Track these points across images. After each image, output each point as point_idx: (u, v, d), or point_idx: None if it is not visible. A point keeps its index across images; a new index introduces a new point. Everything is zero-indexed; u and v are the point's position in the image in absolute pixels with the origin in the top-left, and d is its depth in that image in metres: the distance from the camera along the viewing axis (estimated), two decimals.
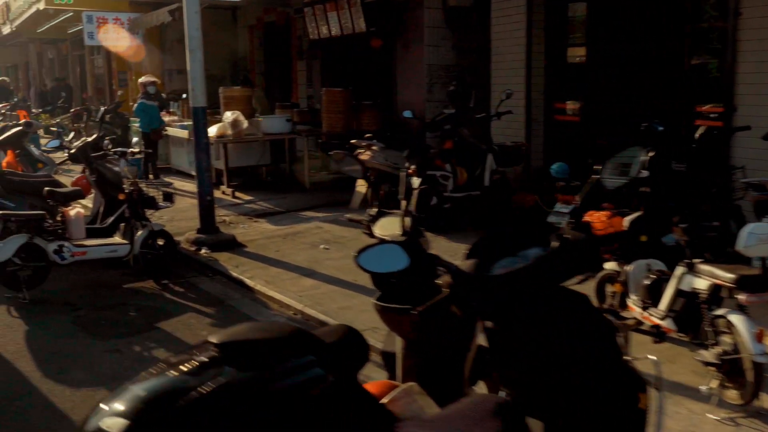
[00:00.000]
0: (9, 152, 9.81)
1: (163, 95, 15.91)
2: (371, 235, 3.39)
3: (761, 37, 6.75)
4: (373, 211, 3.37)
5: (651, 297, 4.43)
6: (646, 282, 4.48)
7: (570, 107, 9.47)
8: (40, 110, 19.43)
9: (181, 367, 1.80)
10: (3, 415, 4.12)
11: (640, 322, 4.52)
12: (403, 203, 8.03)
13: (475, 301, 2.44)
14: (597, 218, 4.97)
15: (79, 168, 8.60)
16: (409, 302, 3.04)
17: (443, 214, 8.29)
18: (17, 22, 22.49)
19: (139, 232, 6.72)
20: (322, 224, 8.69)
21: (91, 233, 6.74)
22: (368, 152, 8.95)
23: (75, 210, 6.44)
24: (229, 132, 10.65)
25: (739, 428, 3.70)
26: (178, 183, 11.81)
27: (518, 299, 2.42)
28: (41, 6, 17.48)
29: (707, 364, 3.90)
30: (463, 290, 2.45)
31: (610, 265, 4.83)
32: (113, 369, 4.70)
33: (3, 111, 19.13)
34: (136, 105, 11.32)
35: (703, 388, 3.85)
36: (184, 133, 12.00)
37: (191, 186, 11.55)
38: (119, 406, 1.69)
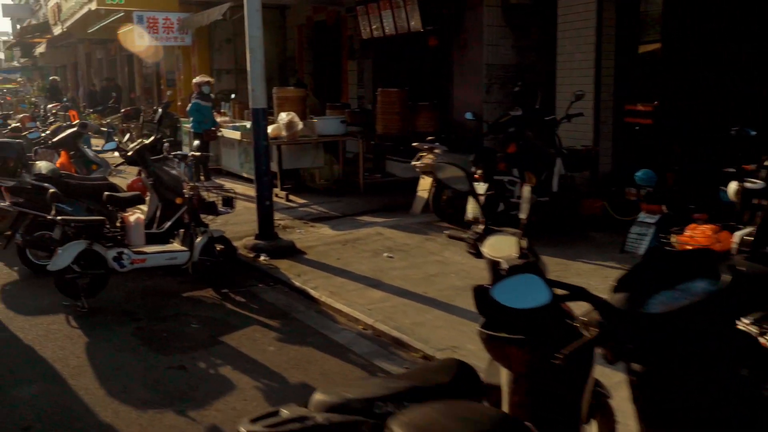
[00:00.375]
0: (63, 153, 9.70)
1: (212, 95, 15.79)
2: (477, 255, 3.02)
3: None
4: (480, 227, 3.01)
5: None
6: None
7: (642, 109, 8.97)
8: (90, 110, 19.46)
9: None
10: None
11: None
12: (471, 208, 7.69)
13: (632, 342, 2.06)
14: (701, 233, 4.52)
15: (132, 170, 8.42)
16: (518, 330, 2.70)
17: (510, 221, 7.87)
18: (68, 22, 22.64)
19: (199, 239, 6.46)
20: (382, 230, 8.35)
21: (148, 238, 6.50)
22: (430, 156, 8.60)
23: (135, 216, 6.20)
24: (284, 133, 10.39)
25: None
26: (230, 185, 11.62)
27: (681, 340, 2.04)
28: (93, 6, 17.49)
29: None
30: (617, 330, 2.08)
31: None
32: (179, 388, 4.42)
33: (54, 111, 19.27)
34: (190, 105, 11.12)
35: None
36: (236, 134, 11.79)
37: (242, 188, 11.35)
38: None
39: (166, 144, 7.17)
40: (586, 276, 6.20)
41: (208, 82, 11.28)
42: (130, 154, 7.41)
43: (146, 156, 7.28)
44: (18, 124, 14.22)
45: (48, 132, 11.01)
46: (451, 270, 6.68)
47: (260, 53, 7.46)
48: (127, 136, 7.80)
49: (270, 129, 10.71)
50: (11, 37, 58.94)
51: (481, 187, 7.68)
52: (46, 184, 6.95)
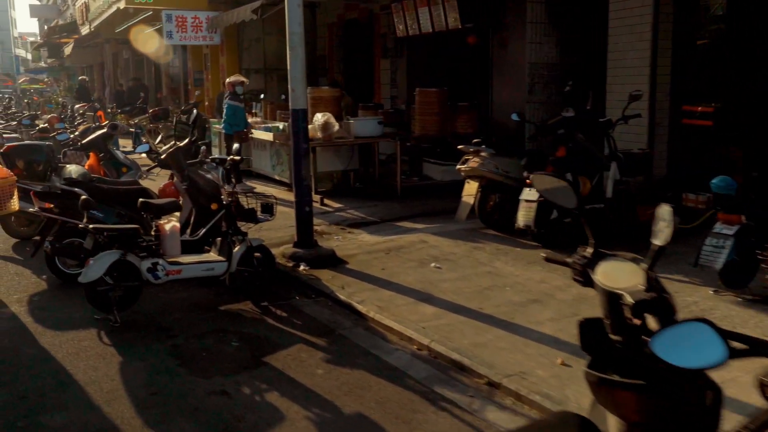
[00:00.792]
0: (92, 155, 9.38)
1: (241, 96, 15.46)
2: (585, 282, 2.57)
3: None
4: (588, 251, 2.56)
5: None
6: None
7: (701, 110, 8.45)
8: (118, 111, 19.23)
9: None
10: None
11: None
12: (523, 214, 7.22)
13: None
14: None
15: (164, 173, 8.04)
16: (631, 372, 2.26)
17: (564, 229, 7.42)
18: (96, 22, 22.49)
19: (237, 248, 6.07)
20: (426, 237, 7.91)
21: (182, 246, 6.12)
22: (476, 159, 8.16)
23: (170, 224, 5.83)
24: (319, 135, 9.99)
25: None
26: (261, 188, 11.23)
27: None
28: (121, 5, 17.26)
29: None
30: None
31: None
32: (222, 417, 4.02)
33: (82, 111, 19.08)
34: (225, 105, 10.75)
35: None
36: (268, 136, 11.42)
37: (275, 191, 10.97)
38: None
39: (203, 147, 6.80)
40: None
41: (242, 83, 10.91)
42: (163, 157, 7.04)
43: (181, 159, 6.91)
44: (46, 125, 13.99)
45: (77, 133, 10.72)
46: (505, 282, 6.22)
47: (301, 51, 7.05)
48: (159, 137, 7.46)
49: None
50: (38, 38, 59.42)
51: (532, 193, 7.22)
52: (77, 189, 6.61)
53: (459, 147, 8.39)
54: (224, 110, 11.14)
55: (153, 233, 5.80)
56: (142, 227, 6.16)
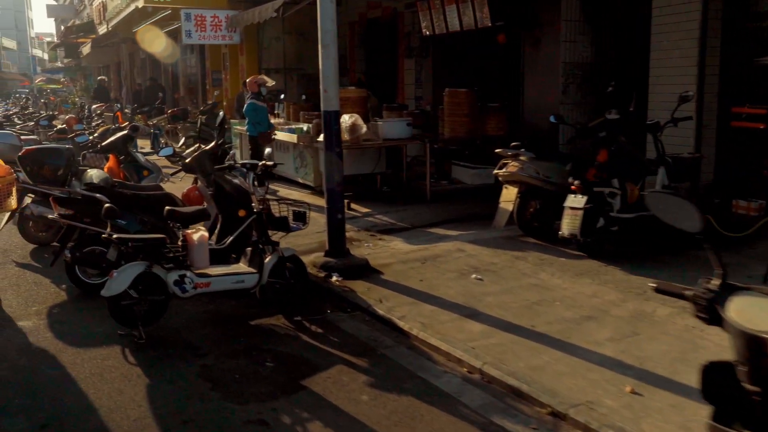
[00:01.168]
0: (111, 157, 9.05)
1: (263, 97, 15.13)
2: (712, 320, 2.16)
3: None
4: (714, 282, 2.15)
5: None
6: None
7: (752, 112, 7.99)
8: (138, 112, 18.94)
9: None
10: None
11: None
12: (568, 223, 6.80)
13: None
14: None
15: (182, 174, 7.68)
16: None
17: (611, 238, 7.00)
18: (113, 21, 22.25)
19: (268, 258, 5.70)
20: (462, 245, 7.51)
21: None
22: (515, 163, 7.74)
23: (199, 233, 5.45)
24: (347, 137, 9.60)
25: None
26: (284, 191, 10.89)
27: None
28: (140, 4, 16.99)
29: None
30: None
31: None
32: None
33: (99, 111, 18.83)
34: (246, 105, 10.40)
35: None
36: (292, 138, 11.06)
37: (298, 194, 10.61)
38: None
39: (232, 151, 6.43)
40: None
41: (266, 83, 10.55)
42: (188, 161, 6.69)
43: (206, 163, 6.57)
44: (64, 126, 13.72)
45: (96, 135, 10.40)
46: (553, 297, 5.81)
47: (334, 50, 6.68)
48: (182, 140, 7.15)
49: None
50: (55, 38, 59.54)
51: (578, 200, 6.81)
52: (98, 195, 6.27)
53: (497, 150, 7.99)
54: (245, 109, 10.78)
55: (180, 243, 5.42)
56: (168, 236, 5.82)
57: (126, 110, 17.09)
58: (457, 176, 10.89)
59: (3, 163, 7.19)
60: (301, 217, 6.03)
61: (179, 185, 9.48)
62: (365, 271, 6.65)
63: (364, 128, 9.66)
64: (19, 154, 7.06)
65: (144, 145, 13.14)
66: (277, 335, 5.33)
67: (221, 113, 6.46)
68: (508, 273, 6.52)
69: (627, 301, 5.63)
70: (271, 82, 11.18)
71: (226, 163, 6.27)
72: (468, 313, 5.45)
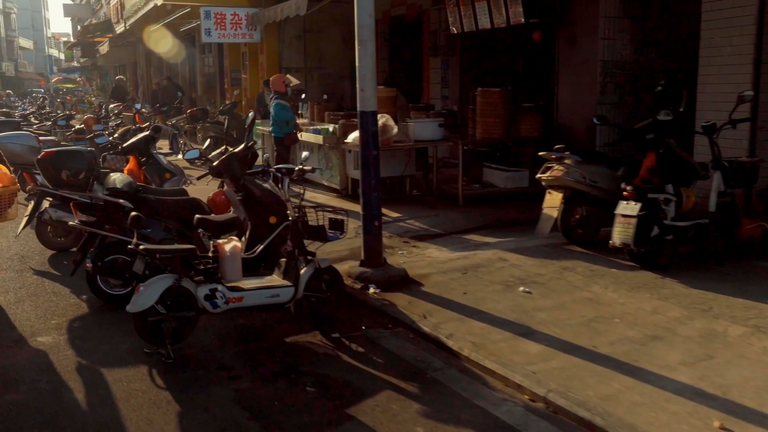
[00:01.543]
0: (132, 159, 8.68)
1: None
2: None
3: None
4: None
5: None
6: None
7: None
8: (155, 111, 18.61)
9: None
10: None
11: None
12: (620, 231, 6.35)
13: None
14: None
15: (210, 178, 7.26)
16: None
17: (666, 248, 6.55)
18: (131, 20, 21.97)
19: (303, 270, 5.29)
20: (504, 254, 7.08)
21: None
22: (560, 167, 7.30)
23: (231, 244, 5.05)
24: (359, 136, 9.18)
25: None
26: (308, 194, 10.46)
27: None
28: (158, 2, 16.66)
29: None
30: None
31: None
32: None
33: (116, 111, 18.53)
34: (273, 105, 10.01)
35: None
36: (317, 138, 10.66)
37: (323, 197, 10.22)
38: None
39: (266, 155, 6.03)
40: None
41: (291, 82, 10.17)
42: (216, 164, 6.29)
43: (235, 167, 6.17)
44: (82, 126, 13.40)
45: (116, 135, 10.05)
46: (611, 313, 5.36)
47: (372, 46, 6.27)
48: (207, 142, 6.78)
49: (357, 134, 9.56)
50: (71, 38, 59.62)
51: (631, 207, 6.36)
52: (121, 201, 5.90)
53: (541, 153, 7.55)
54: (271, 111, 10.39)
55: (210, 254, 5.02)
56: (196, 245, 5.44)
57: (143, 110, 16.73)
58: (488, 179, 10.45)
59: (8, 172, 6.86)
60: (338, 226, 5.63)
61: (200, 188, 9.12)
62: (404, 282, 6.24)
63: (395, 129, 9.25)
64: (38, 156, 6.69)
65: (162, 145, 12.78)
66: (315, 355, 4.92)
67: (250, 114, 6.07)
68: (558, 285, 6.08)
69: (693, 318, 5.18)
70: (295, 82, 10.80)
71: (260, 167, 5.86)
72: (521, 331, 5.02)
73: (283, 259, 5.38)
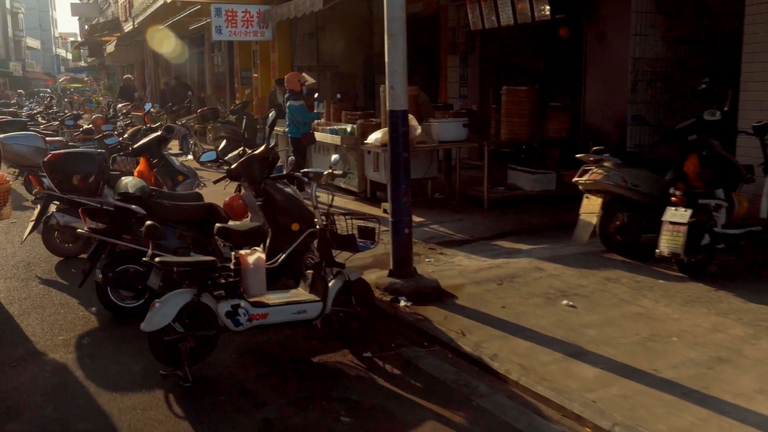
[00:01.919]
0: (142, 160, 8.28)
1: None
2: None
3: None
4: None
5: None
6: None
7: None
8: (163, 111, 18.21)
9: None
10: None
11: None
12: (667, 240, 5.90)
13: None
14: None
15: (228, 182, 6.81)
16: None
17: (716, 258, 6.10)
18: (140, 18, 21.58)
19: (332, 282, 4.86)
20: (539, 263, 6.63)
21: None
22: (599, 170, 6.85)
23: (255, 255, 4.62)
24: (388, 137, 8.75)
25: None
26: (324, 196, 10.04)
27: None
28: None
29: None
30: None
31: None
32: None
33: (125, 111, 18.15)
34: (289, 105, 9.59)
35: None
36: (334, 139, 10.23)
37: (341, 200, 9.78)
38: None
39: (291, 158, 5.60)
40: None
41: (306, 81, 9.76)
42: (234, 166, 5.87)
43: (255, 170, 5.75)
44: (90, 126, 13.01)
45: (126, 136, 9.64)
46: (667, 330, 4.91)
47: (402, 40, 5.84)
48: (223, 143, 6.38)
49: (380, 133, 9.14)
50: (78, 37, 59.43)
51: (680, 214, 5.91)
52: (134, 207, 5.48)
53: (578, 156, 7.09)
54: (287, 111, 9.97)
55: (232, 266, 4.59)
56: (214, 255, 5.03)
57: (152, 110, 16.33)
58: (513, 181, 9.99)
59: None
60: (369, 234, 5.19)
61: (213, 190, 8.70)
62: (436, 294, 5.80)
63: (419, 129, 8.81)
64: (45, 159, 6.29)
65: (171, 146, 12.37)
66: (347, 378, 4.49)
67: (271, 113, 5.65)
68: (603, 298, 5.63)
69: (759, 337, 4.73)
70: (311, 81, 10.39)
71: (285, 171, 5.43)
72: (572, 352, 4.58)
73: (310, 271, 4.95)
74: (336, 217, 5.13)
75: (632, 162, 6.86)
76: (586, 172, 6.96)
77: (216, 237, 4.93)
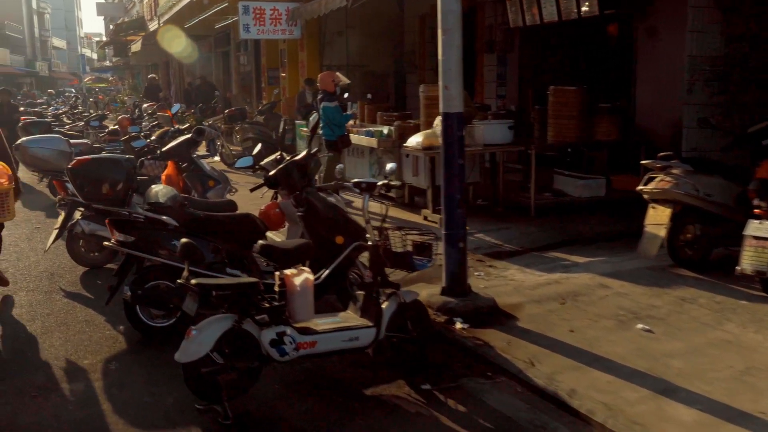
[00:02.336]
0: (170, 164, 7.84)
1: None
2: None
3: None
4: None
5: None
6: None
7: None
8: (190, 111, 17.82)
9: None
10: None
11: None
12: (751, 255, 5.32)
13: None
14: None
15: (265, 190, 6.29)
16: None
17: None
18: (166, 16, 21.26)
19: (385, 305, 4.36)
20: (603, 279, 6.08)
21: None
22: (667, 178, 6.27)
23: (302, 276, 4.11)
24: (440, 142, 8.22)
25: None
26: (359, 201, 9.56)
27: None
28: None
29: None
30: None
31: None
32: None
33: (150, 111, 17.80)
34: (324, 106, 9.12)
35: None
36: (371, 142, 9.74)
37: (377, 206, 9.24)
38: None
39: (340, 166, 5.11)
40: None
41: (341, 81, 9.28)
42: (273, 173, 5.39)
43: (296, 177, 5.27)
44: (116, 127, 12.63)
45: (153, 138, 9.22)
46: (765, 362, 4.34)
47: (458, 36, 5.33)
48: (258, 146, 5.93)
49: (421, 136, 8.63)
50: (103, 37, 59.63)
51: (766, 228, 5.32)
52: (165, 218, 5.02)
53: (643, 162, 6.53)
54: (321, 112, 9.48)
55: (276, 288, 4.10)
56: (253, 273, 4.55)
57: (180, 112, 15.95)
58: (560, 187, 9.43)
59: (7, 169, 6.05)
60: (425, 251, 4.66)
61: (244, 195, 8.25)
62: (494, 314, 5.28)
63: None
64: (69, 165, 5.85)
65: (198, 147, 11.94)
66: (405, 415, 3.97)
67: (313, 116, 5.21)
68: (681, 322, 5.07)
69: None
70: (345, 81, 9.90)
71: (335, 182, 4.94)
72: (660, 388, 4.03)
73: (360, 292, 4.45)
74: (391, 232, 4.61)
75: (704, 168, 6.27)
76: (651, 179, 6.39)
77: (259, 255, 4.42)
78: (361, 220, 5.29)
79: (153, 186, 5.32)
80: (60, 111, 21.76)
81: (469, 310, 5.22)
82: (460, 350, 4.82)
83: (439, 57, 5.42)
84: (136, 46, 28.72)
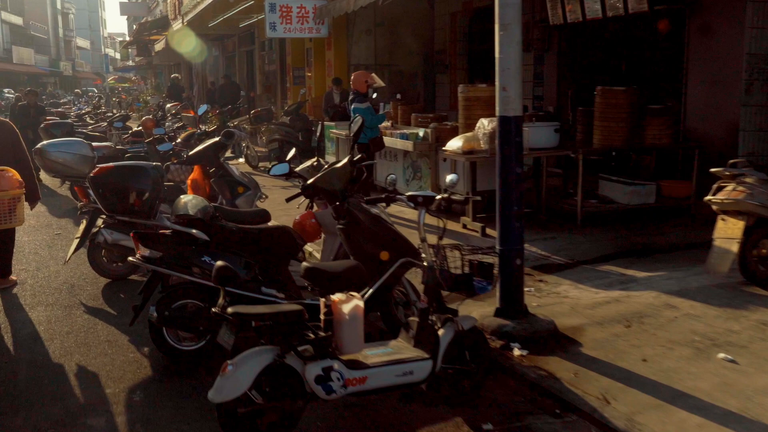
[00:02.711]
0: (196, 168, 7.41)
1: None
2: None
3: None
4: None
5: None
6: None
7: None
8: (215, 111, 17.43)
9: None
10: None
11: None
12: None
13: None
14: None
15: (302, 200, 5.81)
16: None
17: None
18: (190, 15, 20.93)
19: (441, 333, 3.87)
20: (669, 298, 5.54)
21: None
22: (739, 188, 5.73)
23: (352, 304, 3.63)
24: (484, 146, 7.76)
25: None
26: (392, 207, 9.07)
27: None
28: None
29: None
30: None
31: None
32: None
33: (173, 111, 17.46)
34: (356, 107, 8.67)
35: None
36: (406, 145, 9.27)
37: (413, 214, 8.78)
38: None
39: (391, 176, 4.63)
40: None
41: (375, 82, 8.83)
42: (312, 181, 4.92)
43: (336, 186, 4.80)
44: (140, 128, 12.25)
45: (179, 141, 8.81)
46: None
47: (518, 31, 4.83)
48: (293, 151, 5.50)
49: (461, 140, 8.14)
50: (126, 37, 59.75)
51: None
52: (195, 231, 4.57)
53: (713, 170, 5.97)
54: (351, 114, 9.03)
55: (322, 316, 3.63)
56: (287, 289, 4.09)
57: (208, 113, 15.58)
58: (606, 193, 8.88)
59: (17, 175, 5.67)
60: (486, 272, 4.17)
61: (273, 200, 7.82)
62: (554, 338, 4.79)
63: None
64: (91, 173, 5.43)
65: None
66: None
67: (357, 118, 4.75)
68: (761, 349, 4.53)
69: None
70: (379, 82, 9.43)
71: (386, 195, 4.46)
72: None
73: (414, 319, 3.97)
74: (449, 251, 4.13)
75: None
76: (721, 188, 5.85)
77: (305, 278, 3.94)
78: (407, 233, 4.84)
79: (181, 197, 4.87)
80: (83, 111, 21.50)
81: (527, 335, 4.74)
82: (520, 380, 4.32)
83: (496, 55, 4.92)
84: (159, 45, 28.52)
